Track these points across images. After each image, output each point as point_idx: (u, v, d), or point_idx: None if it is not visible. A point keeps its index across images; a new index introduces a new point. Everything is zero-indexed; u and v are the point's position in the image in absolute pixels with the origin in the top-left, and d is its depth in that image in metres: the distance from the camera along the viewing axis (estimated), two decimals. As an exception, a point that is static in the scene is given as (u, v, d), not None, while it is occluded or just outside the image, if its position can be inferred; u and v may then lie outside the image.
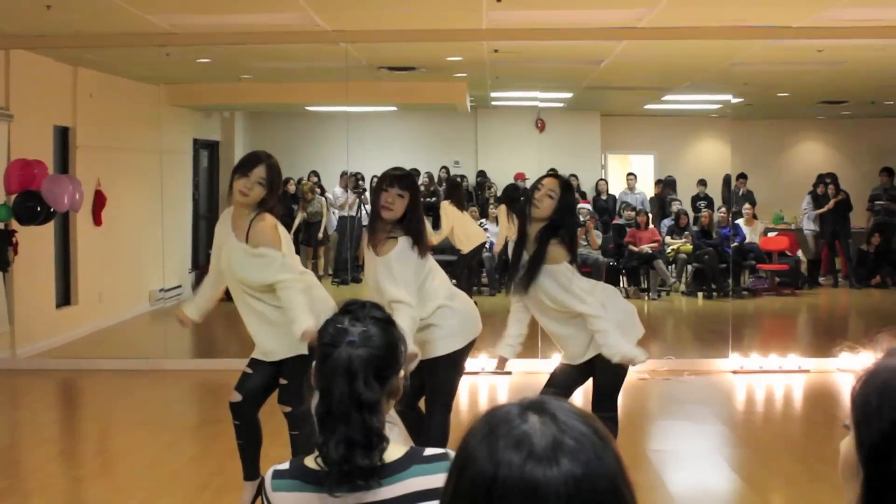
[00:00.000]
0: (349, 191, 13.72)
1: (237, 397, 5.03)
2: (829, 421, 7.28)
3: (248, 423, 5.06)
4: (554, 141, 13.51)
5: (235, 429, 5.06)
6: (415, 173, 12.01)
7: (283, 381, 4.99)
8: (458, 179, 12.89)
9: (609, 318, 4.79)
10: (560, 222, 4.84)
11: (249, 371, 5.02)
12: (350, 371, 2.18)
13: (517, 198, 11.50)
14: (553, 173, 5.07)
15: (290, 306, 4.68)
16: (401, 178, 4.75)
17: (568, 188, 4.91)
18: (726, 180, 13.82)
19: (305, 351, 4.82)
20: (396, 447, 2.24)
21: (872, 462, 1.26)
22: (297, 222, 13.20)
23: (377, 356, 2.21)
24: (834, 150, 15.68)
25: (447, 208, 11.47)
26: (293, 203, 13.38)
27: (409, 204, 4.72)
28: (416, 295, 4.68)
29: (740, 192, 14.39)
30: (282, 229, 4.84)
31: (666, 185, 14.63)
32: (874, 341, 1.35)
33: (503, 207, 11.74)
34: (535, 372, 8.56)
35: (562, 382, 5.03)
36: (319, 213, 13.63)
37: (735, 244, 13.32)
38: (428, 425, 4.92)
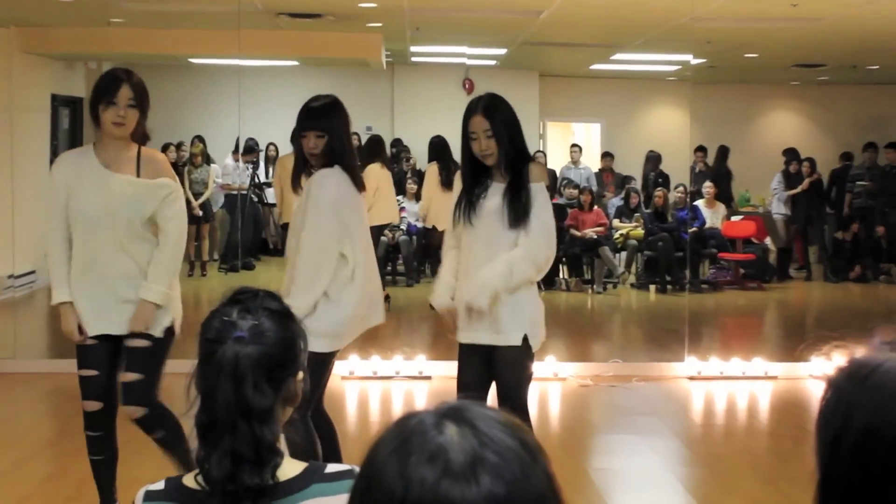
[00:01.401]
0: (241, 163, 13.65)
1: (95, 405, 5.01)
2: (800, 435, 7.37)
3: (110, 433, 5.08)
4: None
5: (93, 442, 5.06)
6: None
7: (131, 376, 4.95)
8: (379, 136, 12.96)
9: (521, 277, 4.82)
10: (511, 145, 4.85)
11: (94, 373, 4.98)
12: (237, 373, 2.18)
13: (448, 150, 11.61)
14: (472, 108, 4.95)
15: (168, 259, 4.88)
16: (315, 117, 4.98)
17: (495, 107, 4.90)
18: (648, 158, 13.88)
19: (170, 329, 4.94)
20: (293, 463, 2.25)
21: (826, 463, 1.34)
22: (185, 194, 12.97)
23: (270, 355, 2.21)
24: (809, 121, 16.00)
25: (375, 170, 11.35)
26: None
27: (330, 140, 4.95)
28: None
29: (697, 169, 14.61)
30: None
31: (649, 161, 14.72)
32: (857, 341, 1.41)
33: (433, 167, 11.77)
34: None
35: (476, 378, 5.04)
36: (204, 182, 13.58)
37: (693, 229, 13.53)
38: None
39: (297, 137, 5.04)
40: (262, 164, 14.09)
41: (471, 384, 5.01)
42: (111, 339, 5.00)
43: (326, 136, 4.91)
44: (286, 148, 13.16)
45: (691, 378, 9.08)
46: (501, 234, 4.87)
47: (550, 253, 4.93)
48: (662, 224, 13.76)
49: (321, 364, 4.91)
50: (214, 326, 2.25)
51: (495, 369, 4.95)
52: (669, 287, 13.52)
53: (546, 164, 14.46)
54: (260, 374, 2.19)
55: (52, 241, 4.97)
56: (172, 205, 4.91)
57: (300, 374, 2.29)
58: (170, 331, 5.00)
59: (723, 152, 14.98)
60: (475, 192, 4.97)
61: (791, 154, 14.86)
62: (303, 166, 5.05)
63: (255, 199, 14.00)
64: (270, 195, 13.87)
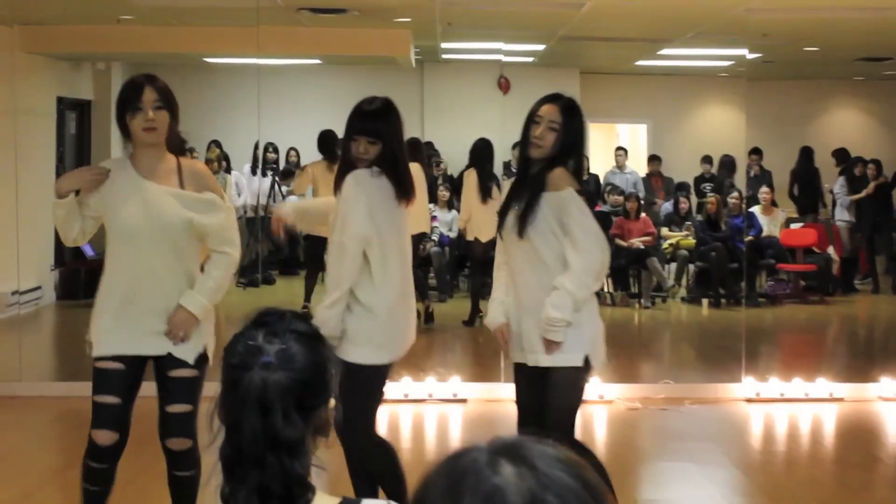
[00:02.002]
0: (260, 171, 13.69)
1: (108, 437, 5.00)
2: (869, 463, 7.33)
3: (114, 465, 5.10)
4: (520, 105, 12.47)
5: (96, 473, 5.07)
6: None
7: (182, 407, 4.98)
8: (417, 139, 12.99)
9: (586, 292, 4.92)
10: (565, 155, 5.00)
11: (115, 400, 4.95)
12: (265, 401, 2.18)
13: (491, 156, 11.65)
14: (552, 97, 5.12)
15: (219, 277, 4.96)
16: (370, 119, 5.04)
17: (573, 111, 5.06)
18: (724, 163, 13.82)
19: (204, 356, 5.01)
20: (325, 498, 2.24)
21: None
22: None
23: (299, 381, 2.21)
24: (874, 119, 15.83)
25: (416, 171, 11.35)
26: None
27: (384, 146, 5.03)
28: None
29: (752, 173, 14.51)
30: None
31: (724, 166, 14.50)
32: None
33: (472, 173, 11.75)
34: (497, 399, 8.59)
35: (532, 409, 5.10)
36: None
37: (749, 238, 13.40)
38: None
39: (346, 139, 5.09)
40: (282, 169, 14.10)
41: (529, 406, 5.10)
42: (136, 364, 5.01)
43: (379, 142, 5.00)
44: (308, 152, 13.26)
45: (749, 400, 9.02)
46: (545, 245, 4.94)
47: (605, 257, 5.03)
48: (715, 233, 13.70)
49: (365, 378, 5.04)
50: (239, 351, 2.25)
51: (549, 390, 4.99)
52: (724, 301, 13.45)
53: (588, 168, 14.24)
54: (289, 403, 2.19)
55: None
56: (230, 228, 5.01)
57: (331, 402, 2.30)
58: (203, 358, 5.04)
59: (807, 153, 14.78)
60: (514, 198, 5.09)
61: (842, 155, 14.73)
62: (348, 171, 5.07)
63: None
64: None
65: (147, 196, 4.90)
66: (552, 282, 4.91)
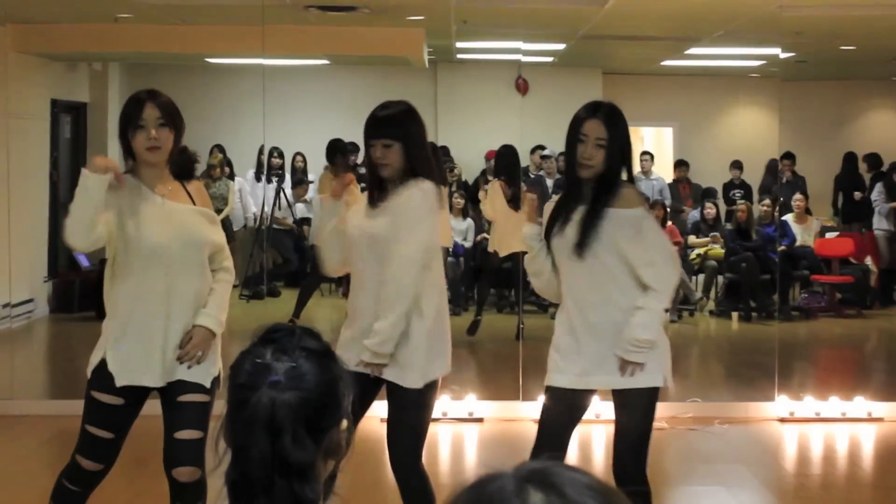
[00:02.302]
0: (265, 178, 13.71)
1: (94, 466, 5.04)
2: (910, 486, 7.35)
3: (89, 492, 5.13)
4: (540, 108, 13.19)
5: (69, 496, 5.11)
6: (352, 149, 12.13)
7: (191, 433, 4.95)
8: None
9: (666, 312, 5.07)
10: (616, 165, 5.06)
11: (109, 435, 4.97)
12: (273, 423, 2.18)
13: (518, 164, 11.67)
14: (592, 109, 5.15)
15: (226, 294, 5.06)
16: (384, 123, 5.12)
17: (616, 118, 5.13)
18: (769, 168, 13.76)
19: (217, 380, 5.03)
20: (337, 524, 2.27)
21: None
22: None
23: (310, 401, 2.21)
24: (916, 124, 15.89)
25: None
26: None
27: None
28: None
29: (784, 179, 14.45)
30: None
31: (770, 172, 14.22)
32: None
33: (497, 184, 11.72)
34: (515, 419, 8.62)
35: (557, 430, 5.15)
36: (224, 198, 13.28)
37: (782, 248, 13.37)
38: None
39: (365, 147, 5.20)
40: (287, 176, 14.09)
41: (556, 430, 5.15)
42: (140, 396, 5.01)
43: (396, 144, 5.05)
44: (315, 157, 13.25)
45: (782, 420, 9.00)
46: (614, 264, 5.03)
47: (678, 278, 5.26)
48: (746, 242, 13.66)
49: (414, 402, 5.14)
50: (246, 370, 2.25)
51: (627, 413, 5.08)
52: (755, 315, 13.40)
53: None
54: (299, 424, 2.19)
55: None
56: (220, 233, 5.14)
57: (344, 423, 2.29)
58: (217, 381, 5.05)
59: (851, 159, 14.76)
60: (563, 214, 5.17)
61: (874, 160, 14.68)
62: (378, 181, 5.16)
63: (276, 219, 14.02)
64: (300, 210, 13.95)
65: (172, 215, 4.94)
66: (626, 301, 4.98)
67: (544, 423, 5.19)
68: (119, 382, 4.89)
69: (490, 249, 11.84)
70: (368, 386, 5.04)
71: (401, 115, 5.15)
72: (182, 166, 5.08)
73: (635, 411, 5.04)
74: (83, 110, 13.86)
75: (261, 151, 13.68)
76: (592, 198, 5.04)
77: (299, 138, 13.98)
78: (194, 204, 5.02)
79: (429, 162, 5.14)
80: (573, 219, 5.07)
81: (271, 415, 2.17)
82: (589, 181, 5.06)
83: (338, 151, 11.88)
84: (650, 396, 5.03)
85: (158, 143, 4.86)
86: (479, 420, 8.82)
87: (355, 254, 5.20)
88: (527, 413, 8.42)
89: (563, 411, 5.14)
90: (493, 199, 11.72)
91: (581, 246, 5.00)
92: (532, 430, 5.31)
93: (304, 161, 14.05)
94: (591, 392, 5.15)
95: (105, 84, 14.01)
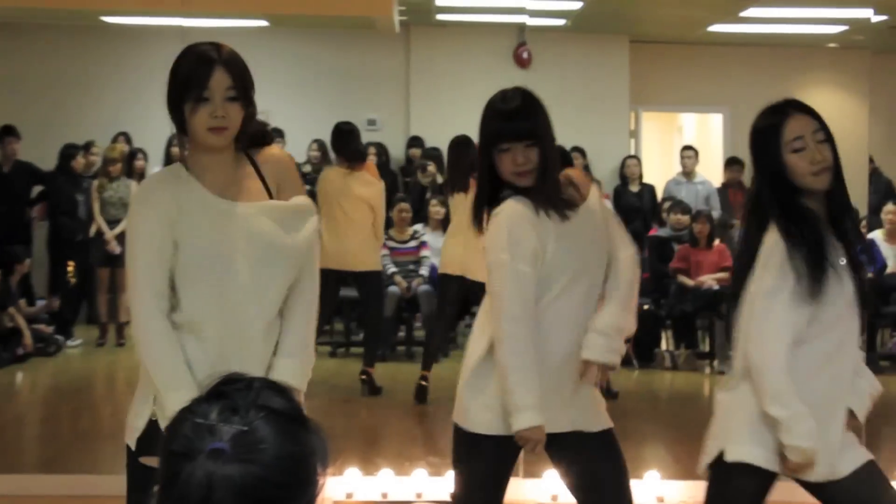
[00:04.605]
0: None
1: None
2: None
3: None
4: (547, 86, 13.41)
5: None
6: (318, 145, 13.19)
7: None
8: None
9: None
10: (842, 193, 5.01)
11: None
12: None
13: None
14: (793, 105, 4.99)
15: (303, 321, 4.94)
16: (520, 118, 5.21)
17: (811, 108, 5.02)
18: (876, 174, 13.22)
19: None
20: None
21: None
22: (96, 222, 13.23)
23: (263, 479, 2.23)
24: None
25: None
26: (75, 186, 13.14)
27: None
28: None
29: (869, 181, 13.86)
30: None
31: (877, 180, 13.77)
32: None
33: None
34: (514, 501, 7.87)
35: None
36: (124, 203, 13.09)
37: (869, 276, 12.25)
38: None
39: (485, 154, 5.17)
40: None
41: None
42: None
43: (537, 144, 5.08)
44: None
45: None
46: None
47: None
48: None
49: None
50: (183, 433, 2.28)
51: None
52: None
53: (641, 173, 14.25)
54: None
55: (149, 315, 4.83)
56: (304, 227, 4.95)
57: None
58: None
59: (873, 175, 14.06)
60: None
61: None
62: (491, 195, 5.22)
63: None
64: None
65: (237, 222, 4.80)
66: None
67: None
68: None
69: (443, 271, 11.34)
70: None
71: (536, 106, 5.21)
72: (256, 136, 4.91)
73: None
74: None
75: (171, 141, 13.17)
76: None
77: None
78: (270, 195, 4.90)
79: (557, 165, 5.28)
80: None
81: (206, 496, 2.21)
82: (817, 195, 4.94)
83: (352, 140, 11.61)
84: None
85: (226, 123, 4.69)
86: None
87: None
88: (530, 495, 8.19)
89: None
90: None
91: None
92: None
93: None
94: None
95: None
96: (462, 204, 10.68)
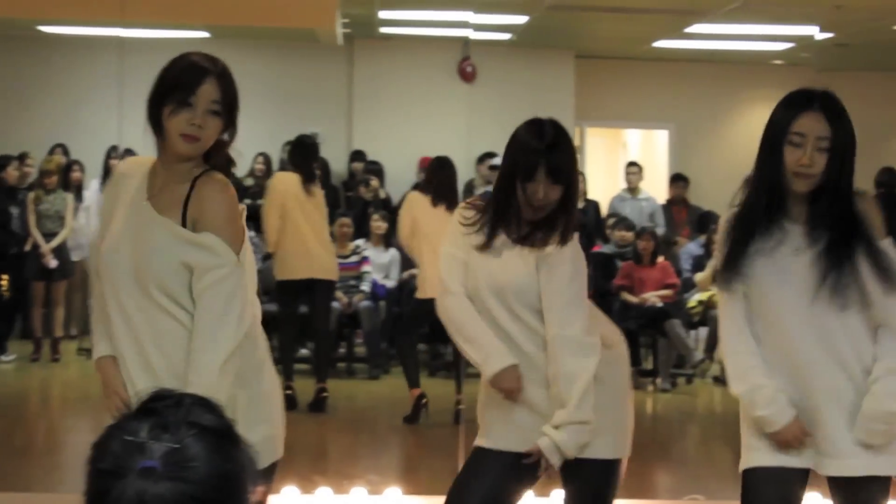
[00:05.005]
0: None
1: None
2: None
3: None
4: (491, 101, 13.49)
5: None
6: (263, 158, 13.52)
7: None
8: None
9: None
10: (835, 178, 4.84)
11: None
12: None
13: (452, 181, 11.08)
14: (806, 98, 4.87)
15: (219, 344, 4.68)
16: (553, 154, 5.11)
17: (839, 112, 4.87)
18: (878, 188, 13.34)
19: None
20: None
21: None
22: (32, 237, 13.09)
23: (194, 498, 2.21)
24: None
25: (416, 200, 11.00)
26: (9, 199, 13.15)
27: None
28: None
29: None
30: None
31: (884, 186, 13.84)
32: None
33: (414, 197, 11.16)
34: None
35: None
36: (60, 216, 13.17)
37: None
38: None
39: (507, 179, 5.14)
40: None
41: None
42: None
43: (561, 185, 5.08)
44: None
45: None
46: (860, 312, 4.88)
47: None
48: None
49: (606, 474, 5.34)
50: (111, 451, 2.24)
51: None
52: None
53: (585, 190, 13.98)
54: None
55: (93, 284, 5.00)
56: (205, 275, 4.75)
57: None
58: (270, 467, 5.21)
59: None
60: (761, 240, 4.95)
61: (889, 175, 14.37)
62: (505, 222, 5.20)
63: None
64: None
65: (134, 220, 4.78)
66: (870, 361, 4.91)
67: None
68: None
69: (419, 296, 11.04)
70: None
71: (569, 143, 5.19)
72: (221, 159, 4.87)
73: None
74: None
75: (110, 153, 13.46)
76: (831, 223, 4.92)
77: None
78: (184, 219, 4.77)
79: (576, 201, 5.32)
80: (793, 249, 4.91)
81: None
82: (799, 196, 4.88)
83: (311, 153, 11.43)
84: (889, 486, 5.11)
85: (200, 134, 4.66)
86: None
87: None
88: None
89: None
90: (408, 215, 10.97)
91: (841, 296, 4.88)
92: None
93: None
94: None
95: None
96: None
